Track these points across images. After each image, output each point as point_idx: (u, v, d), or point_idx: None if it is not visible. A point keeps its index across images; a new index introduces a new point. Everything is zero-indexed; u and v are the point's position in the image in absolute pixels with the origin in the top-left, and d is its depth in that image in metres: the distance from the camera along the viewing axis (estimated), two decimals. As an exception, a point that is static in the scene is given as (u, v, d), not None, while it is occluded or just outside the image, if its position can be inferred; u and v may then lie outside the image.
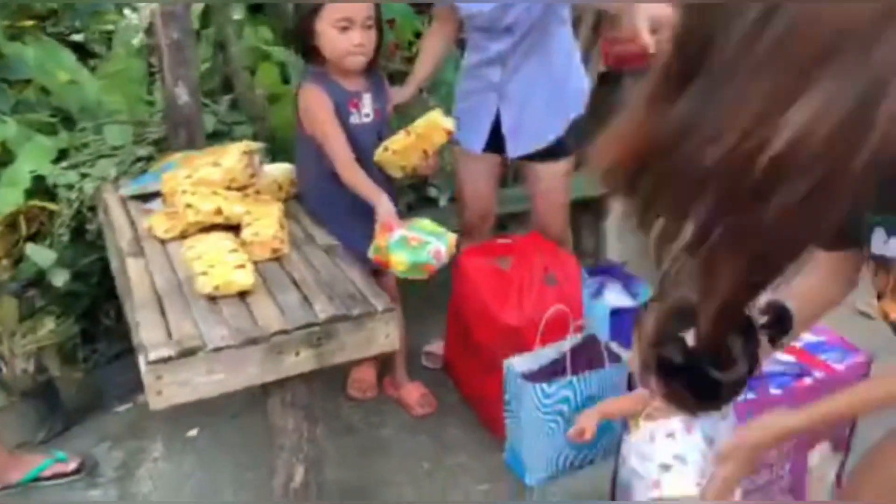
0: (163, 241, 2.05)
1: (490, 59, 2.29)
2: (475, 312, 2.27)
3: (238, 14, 2.80)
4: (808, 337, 1.82)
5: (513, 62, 2.28)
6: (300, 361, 1.67)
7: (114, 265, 2.03)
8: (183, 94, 2.53)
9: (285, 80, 3.04)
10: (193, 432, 2.38)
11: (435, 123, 2.09)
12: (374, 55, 2.13)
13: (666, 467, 1.31)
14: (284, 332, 1.64)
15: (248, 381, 1.63)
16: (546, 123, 2.35)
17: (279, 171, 2.35)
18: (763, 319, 1.29)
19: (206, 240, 1.95)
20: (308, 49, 2.11)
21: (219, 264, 1.80)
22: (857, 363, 1.83)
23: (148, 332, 1.62)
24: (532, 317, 2.15)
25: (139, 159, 2.58)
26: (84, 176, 2.53)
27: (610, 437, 2.16)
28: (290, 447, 1.77)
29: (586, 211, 3.17)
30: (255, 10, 2.96)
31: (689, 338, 1.23)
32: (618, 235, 3.08)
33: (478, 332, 2.27)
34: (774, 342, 1.31)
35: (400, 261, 1.91)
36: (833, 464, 1.94)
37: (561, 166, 2.41)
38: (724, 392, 1.31)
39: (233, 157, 2.16)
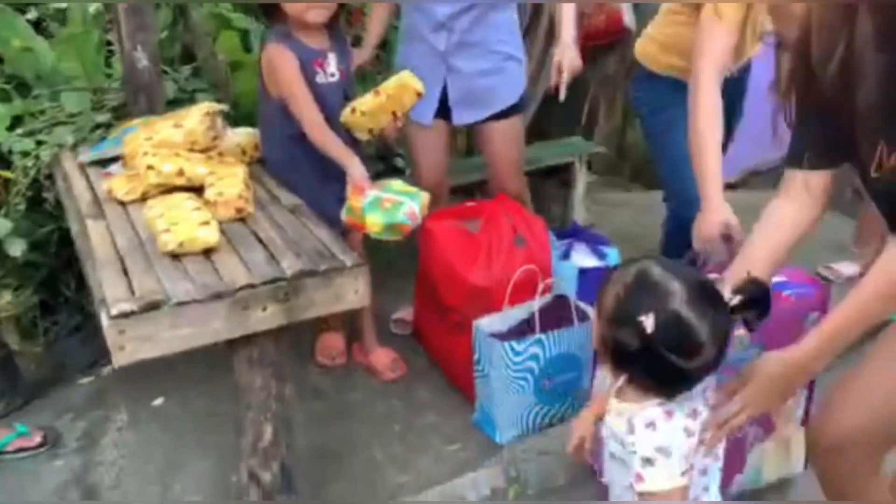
0: (123, 204, 2.01)
1: (437, 22, 2.27)
2: (443, 275, 2.26)
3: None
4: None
5: (458, 28, 2.27)
6: (267, 317, 1.64)
7: (74, 229, 1.97)
8: (142, 59, 2.47)
9: (247, 49, 2.99)
10: (159, 401, 2.34)
11: (406, 84, 2.06)
12: (336, 12, 2.10)
13: (649, 461, 1.21)
14: (251, 286, 1.61)
15: (213, 336, 1.60)
16: (492, 95, 2.37)
17: (242, 134, 2.31)
18: (737, 300, 1.22)
19: (169, 200, 1.91)
20: (270, 7, 2.08)
21: (182, 221, 1.76)
22: (823, 291, 1.89)
23: (110, 289, 1.58)
24: (501, 277, 2.15)
25: (98, 126, 2.52)
26: (40, 143, 2.46)
27: (580, 393, 2.18)
28: (257, 406, 1.74)
29: (553, 178, 3.19)
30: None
31: (649, 322, 1.15)
32: (584, 202, 3.12)
33: (446, 294, 2.26)
34: (750, 326, 1.26)
35: (375, 222, 1.88)
36: (800, 399, 1.97)
37: (510, 125, 2.44)
38: (689, 378, 1.21)
39: (194, 118, 2.11)
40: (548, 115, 3.55)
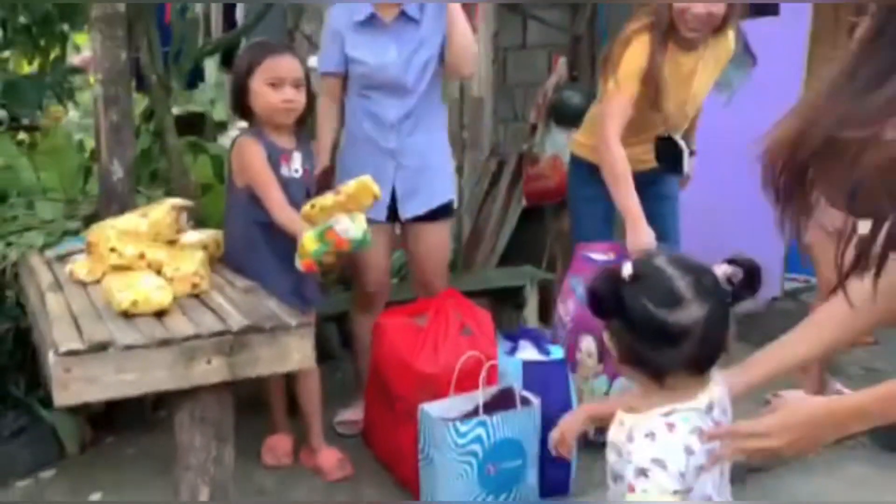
0: (84, 284, 2.09)
1: (389, 124, 2.50)
2: (393, 366, 2.32)
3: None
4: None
5: (407, 127, 2.52)
6: (212, 370, 1.68)
7: (31, 303, 2.04)
8: (118, 171, 2.65)
9: (219, 178, 3.20)
10: (96, 496, 2.28)
11: (366, 187, 2.22)
12: (303, 115, 2.31)
13: (643, 472, 1.15)
14: (197, 336, 1.67)
15: (157, 384, 1.64)
16: (434, 189, 2.58)
17: (206, 234, 2.43)
18: (726, 269, 1.19)
19: (127, 275, 2.00)
20: (242, 107, 2.29)
21: (137, 284, 1.84)
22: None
23: (59, 333, 1.64)
24: (447, 365, 2.21)
25: (67, 232, 2.64)
26: (10, 244, 2.57)
27: (525, 486, 2.17)
28: (196, 466, 1.74)
29: (507, 299, 3.35)
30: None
31: (627, 269, 1.16)
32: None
33: (395, 384, 2.30)
34: (737, 297, 1.19)
35: (306, 239, 2.02)
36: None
37: (442, 227, 2.66)
38: (674, 339, 1.14)
39: (161, 210, 2.25)
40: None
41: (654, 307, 1.14)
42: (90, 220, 2.73)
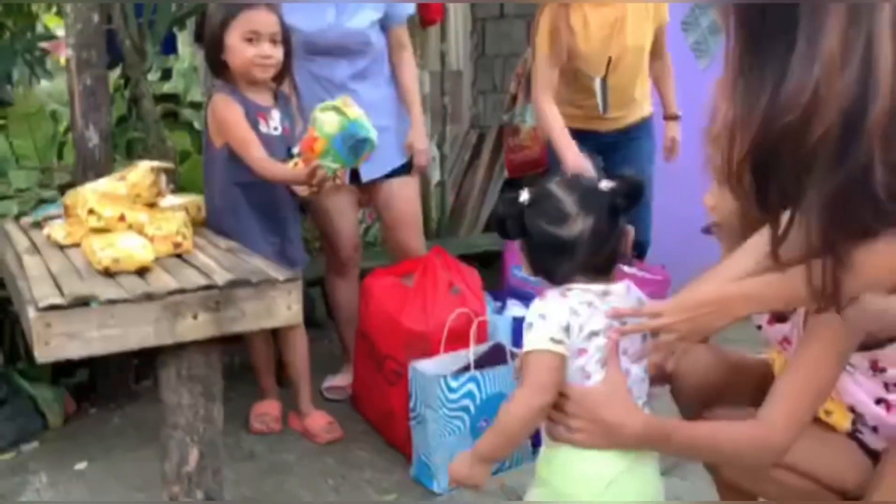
0: (62, 247, 2.04)
1: (339, 84, 2.44)
2: (381, 326, 2.29)
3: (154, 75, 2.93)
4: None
5: (357, 87, 2.45)
6: (198, 325, 1.64)
7: (10, 269, 1.98)
8: (94, 137, 2.59)
9: (197, 148, 3.14)
10: (82, 465, 2.23)
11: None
12: (280, 72, 2.24)
13: (529, 325, 1.28)
14: (182, 291, 1.63)
15: (142, 341, 1.59)
16: (391, 151, 2.53)
17: (186, 198, 2.38)
18: (610, 185, 1.32)
19: (107, 235, 1.95)
20: (217, 63, 2.22)
21: (119, 242, 1.80)
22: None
23: (39, 290, 1.59)
24: (436, 323, 2.19)
25: (43, 201, 2.58)
26: (-17, 214, 2.50)
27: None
28: (184, 426, 1.69)
29: (493, 263, 3.33)
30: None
31: (525, 195, 1.32)
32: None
33: (384, 344, 2.28)
34: (620, 210, 1.32)
35: (329, 121, 2.04)
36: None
37: (410, 182, 2.62)
38: (568, 250, 1.28)
39: (140, 172, 2.19)
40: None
41: (547, 225, 1.30)
42: (66, 188, 2.66)
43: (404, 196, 2.61)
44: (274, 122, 2.24)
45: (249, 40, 2.15)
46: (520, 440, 1.31)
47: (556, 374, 1.26)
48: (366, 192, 2.64)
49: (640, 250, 2.90)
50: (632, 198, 1.32)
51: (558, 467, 1.31)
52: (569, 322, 1.26)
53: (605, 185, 1.32)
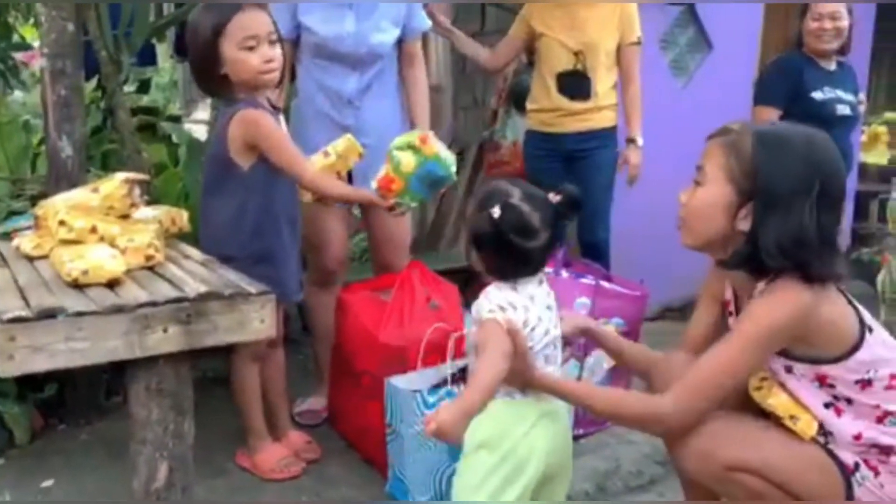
0: (31, 259, 1.99)
1: (345, 99, 2.40)
2: (358, 340, 2.26)
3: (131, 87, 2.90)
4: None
5: (365, 102, 2.42)
6: (168, 338, 1.61)
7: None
8: (67, 148, 2.54)
9: (174, 162, 3.12)
10: (48, 482, 2.18)
11: (353, 146, 2.18)
12: (283, 71, 2.12)
13: (500, 308, 1.53)
14: (153, 304, 1.60)
15: (110, 354, 1.56)
16: None
17: (160, 209, 2.35)
18: (558, 198, 1.56)
19: (77, 247, 1.91)
20: (214, 78, 2.04)
21: (88, 253, 1.76)
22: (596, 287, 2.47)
23: (4, 303, 1.55)
24: (413, 338, 2.16)
25: (13, 212, 2.53)
26: (-48, 226, 2.45)
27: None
28: (153, 441, 1.66)
29: (472, 278, 3.31)
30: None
31: (496, 211, 1.51)
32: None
33: (361, 359, 2.25)
34: (565, 217, 1.58)
35: (406, 161, 2.01)
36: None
37: None
38: (531, 258, 1.56)
39: (113, 184, 2.16)
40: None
41: (517, 238, 1.53)
42: (38, 199, 2.61)
43: (399, 222, 2.55)
44: (284, 128, 2.15)
45: (250, 48, 1.99)
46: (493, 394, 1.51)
47: (510, 347, 1.51)
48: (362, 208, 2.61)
49: (594, 250, 3.01)
50: (575, 209, 1.58)
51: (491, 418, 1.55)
52: (524, 318, 1.54)
53: (553, 197, 1.56)
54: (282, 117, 2.17)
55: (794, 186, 1.43)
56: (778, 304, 1.44)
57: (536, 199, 1.54)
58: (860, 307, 1.53)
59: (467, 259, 1.65)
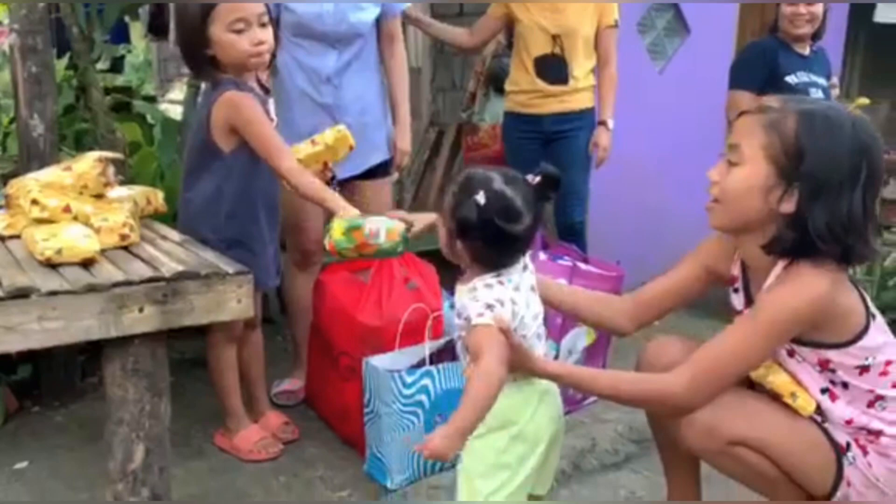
0: (2, 239, 1.96)
1: (324, 77, 2.38)
2: (336, 321, 2.26)
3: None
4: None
5: (344, 81, 2.40)
6: (144, 318, 1.60)
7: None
8: (38, 127, 2.50)
9: (148, 141, 3.08)
10: (22, 464, 2.16)
11: (344, 137, 2.17)
12: (272, 55, 2.08)
13: (489, 307, 1.45)
14: (128, 283, 1.59)
15: (85, 334, 1.55)
16: (371, 148, 2.49)
17: (135, 190, 2.32)
18: (538, 179, 1.51)
19: (51, 226, 1.88)
20: (201, 60, 2.00)
21: (62, 232, 1.74)
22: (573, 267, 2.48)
23: (-24, 281, 1.53)
24: (391, 318, 2.16)
25: (-16, 192, 2.49)
26: (-80, 205, 2.40)
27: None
28: (129, 422, 1.65)
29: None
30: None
31: (481, 197, 1.44)
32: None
33: (339, 339, 2.25)
34: (545, 198, 1.53)
35: (336, 226, 1.84)
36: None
37: (383, 184, 2.58)
38: (517, 241, 1.50)
39: (86, 162, 2.13)
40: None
41: (504, 224, 1.46)
42: (8, 178, 2.57)
43: (379, 202, 2.54)
44: (272, 113, 2.10)
45: (238, 31, 1.94)
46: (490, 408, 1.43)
47: (506, 349, 1.45)
48: (341, 187, 2.59)
49: (571, 232, 3.04)
50: (555, 189, 1.53)
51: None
52: (511, 312, 1.48)
53: (532, 179, 1.51)
54: (271, 100, 2.14)
55: (844, 171, 1.40)
56: (802, 290, 1.42)
57: (517, 182, 1.50)
58: (864, 292, 1.53)
59: (446, 252, 1.58)
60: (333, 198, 1.95)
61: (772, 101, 1.50)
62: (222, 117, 2.00)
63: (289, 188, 2.09)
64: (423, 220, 1.85)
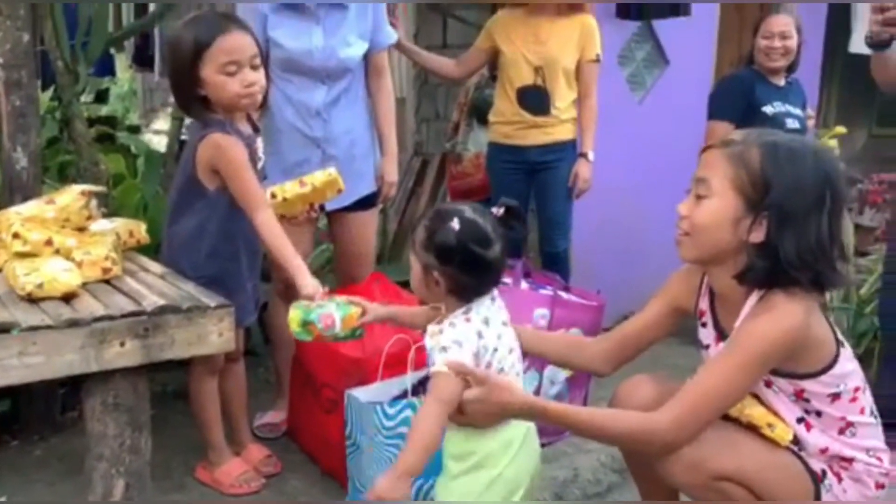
0: (-16, 273, 1.96)
1: (313, 110, 2.40)
2: (318, 353, 2.26)
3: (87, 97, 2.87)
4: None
5: (333, 114, 2.42)
6: (125, 352, 1.61)
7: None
8: (21, 160, 2.50)
9: (132, 173, 3.09)
10: (1, 499, 2.13)
11: (333, 180, 2.18)
12: (264, 99, 2.08)
13: (444, 349, 1.50)
14: (109, 317, 1.59)
15: (66, 369, 1.55)
16: (360, 180, 2.51)
17: (117, 222, 2.32)
18: (501, 211, 1.58)
19: (33, 260, 1.89)
20: (192, 99, 2.00)
21: (43, 266, 1.75)
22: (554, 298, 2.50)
23: (-44, 317, 1.53)
24: (373, 350, 2.17)
25: (-34, 225, 2.48)
26: None
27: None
28: (109, 457, 1.65)
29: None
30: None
31: (455, 224, 1.51)
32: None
33: (321, 371, 2.25)
34: (509, 228, 1.59)
35: (293, 317, 1.82)
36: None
37: (369, 216, 2.60)
38: (491, 267, 1.55)
39: (69, 195, 2.14)
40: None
41: (477, 248, 1.52)
42: (-9, 211, 2.58)
43: (365, 234, 2.58)
44: (260, 152, 2.12)
45: (230, 73, 1.94)
46: (435, 450, 1.49)
47: (461, 391, 1.48)
48: (328, 218, 2.61)
49: (555, 261, 3.08)
50: (518, 220, 1.60)
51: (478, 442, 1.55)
52: (478, 347, 1.52)
53: (496, 211, 1.59)
54: (259, 139, 2.14)
55: (809, 199, 1.44)
56: (778, 321, 1.44)
57: (486, 213, 1.57)
58: (831, 321, 1.57)
59: (419, 290, 1.63)
60: (299, 268, 1.94)
61: (735, 134, 1.55)
62: (206, 158, 2.00)
63: (278, 213, 2.10)
64: (377, 312, 1.89)
